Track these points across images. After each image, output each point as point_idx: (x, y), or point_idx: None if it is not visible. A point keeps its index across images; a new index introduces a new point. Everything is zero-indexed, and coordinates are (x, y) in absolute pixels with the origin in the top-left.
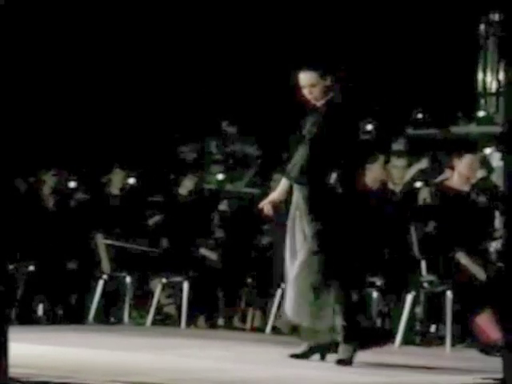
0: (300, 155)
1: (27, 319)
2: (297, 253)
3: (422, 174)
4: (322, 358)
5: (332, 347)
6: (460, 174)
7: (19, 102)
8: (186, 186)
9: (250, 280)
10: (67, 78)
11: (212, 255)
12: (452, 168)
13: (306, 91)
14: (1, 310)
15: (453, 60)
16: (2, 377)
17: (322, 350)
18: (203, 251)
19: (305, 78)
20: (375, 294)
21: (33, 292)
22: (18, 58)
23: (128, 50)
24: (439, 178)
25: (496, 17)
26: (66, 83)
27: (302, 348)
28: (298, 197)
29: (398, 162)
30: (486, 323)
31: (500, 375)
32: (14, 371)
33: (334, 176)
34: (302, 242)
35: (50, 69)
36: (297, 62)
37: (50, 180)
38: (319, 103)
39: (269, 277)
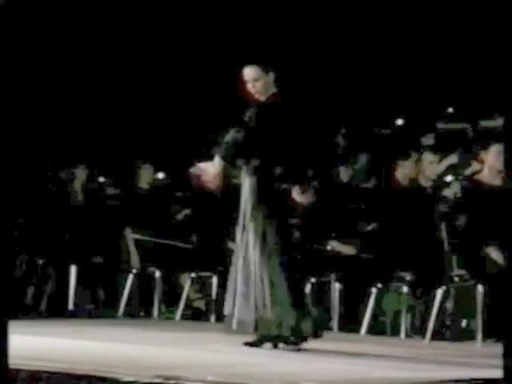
0: (233, 138)
1: (57, 313)
2: (251, 249)
3: (452, 169)
4: (275, 346)
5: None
6: (490, 166)
7: (49, 99)
8: None
9: None
10: (86, 75)
11: None
12: (481, 161)
13: (249, 85)
14: (0, 305)
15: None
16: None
17: (274, 339)
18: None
19: (249, 72)
20: (405, 289)
21: (63, 286)
22: (24, 58)
23: (149, 48)
24: (468, 171)
25: None
26: (88, 81)
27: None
28: (246, 191)
29: (433, 158)
30: None
31: None
32: (44, 365)
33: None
34: (254, 240)
35: (67, 68)
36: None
37: (80, 175)
38: (262, 97)
39: None
